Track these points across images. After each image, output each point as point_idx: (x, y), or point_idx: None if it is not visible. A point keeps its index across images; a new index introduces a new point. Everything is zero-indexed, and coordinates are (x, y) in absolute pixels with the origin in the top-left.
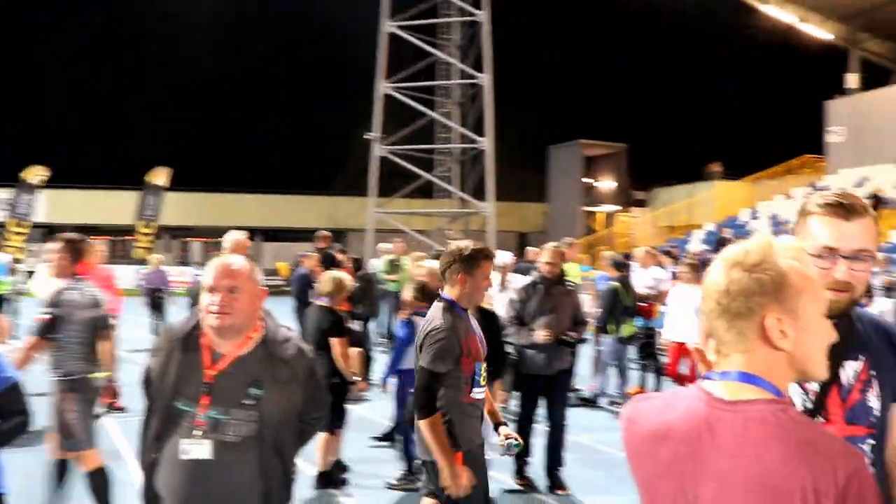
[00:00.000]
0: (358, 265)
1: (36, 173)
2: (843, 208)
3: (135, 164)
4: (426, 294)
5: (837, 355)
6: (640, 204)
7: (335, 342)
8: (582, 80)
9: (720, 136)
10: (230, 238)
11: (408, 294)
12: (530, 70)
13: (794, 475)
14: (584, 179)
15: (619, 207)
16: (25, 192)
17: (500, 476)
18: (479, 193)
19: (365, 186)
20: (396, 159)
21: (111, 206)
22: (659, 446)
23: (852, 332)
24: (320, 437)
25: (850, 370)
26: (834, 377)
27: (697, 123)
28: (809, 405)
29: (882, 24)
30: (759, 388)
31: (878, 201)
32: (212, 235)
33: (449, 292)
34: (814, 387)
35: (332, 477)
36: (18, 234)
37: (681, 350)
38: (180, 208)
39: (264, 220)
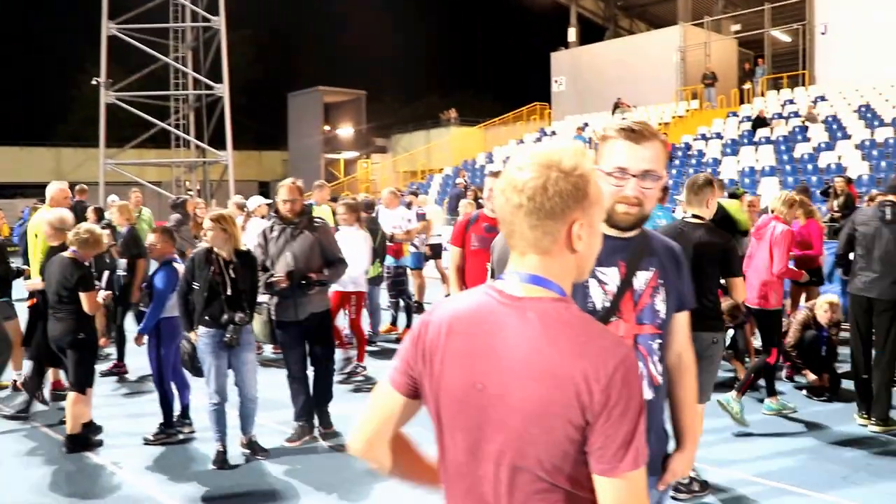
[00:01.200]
0: (100, 215)
1: None
2: (636, 133)
3: None
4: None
5: (633, 265)
6: (381, 150)
7: (85, 296)
8: (319, 27)
9: (455, 83)
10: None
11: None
12: (267, 16)
13: (572, 364)
14: (325, 127)
15: (359, 154)
16: None
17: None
18: (216, 142)
19: (94, 136)
20: (127, 107)
21: None
22: (450, 340)
23: (646, 246)
24: (70, 398)
25: (643, 278)
26: (628, 283)
27: (433, 72)
28: (608, 304)
29: None
30: (548, 289)
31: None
32: None
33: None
34: (612, 289)
35: (85, 439)
36: None
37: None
38: None
39: None
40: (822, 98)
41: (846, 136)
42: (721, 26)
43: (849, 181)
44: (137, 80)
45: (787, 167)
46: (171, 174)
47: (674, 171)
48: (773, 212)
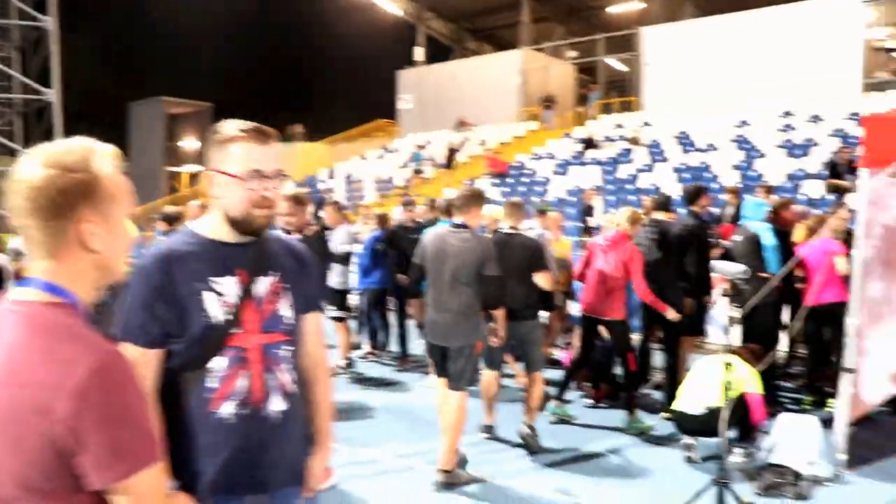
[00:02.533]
0: None
1: None
2: (263, 134)
3: None
4: None
5: (253, 271)
6: None
7: None
8: (165, 36)
9: (302, 98)
10: None
11: None
12: (108, 20)
13: (39, 371)
14: (168, 138)
15: (203, 167)
16: None
17: None
18: None
19: None
20: None
21: None
22: None
23: (266, 251)
24: None
25: (264, 284)
26: (249, 291)
27: (282, 86)
28: (229, 317)
29: (444, 6)
30: (54, 294)
31: (452, 152)
32: None
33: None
34: (232, 300)
35: None
36: None
37: None
38: None
39: None
40: (648, 123)
41: (664, 160)
42: (560, 52)
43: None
44: None
45: (611, 187)
46: None
47: (507, 189)
48: (618, 226)
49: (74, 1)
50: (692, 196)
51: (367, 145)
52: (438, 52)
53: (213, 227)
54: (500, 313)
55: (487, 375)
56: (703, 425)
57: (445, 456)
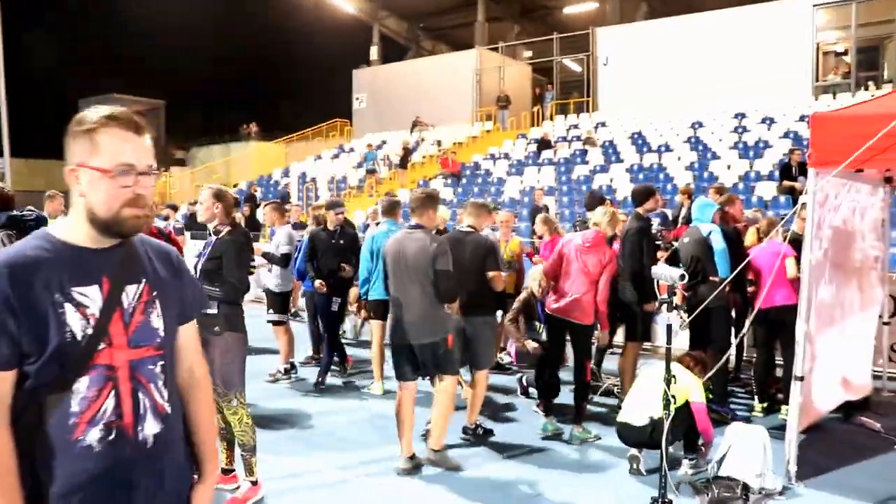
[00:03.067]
0: None
1: None
2: (134, 123)
3: None
4: None
5: (119, 279)
6: (180, 163)
7: None
8: (118, 31)
9: (259, 96)
10: None
11: None
12: (60, 14)
13: None
14: None
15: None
16: None
17: None
18: None
19: None
20: None
21: None
22: None
23: (133, 256)
24: None
25: (132, 293)
26: (115, 301)
27: (236, 84)
28: (90, 331)
29: (399, 5)
30: None
31: (406, 152)
32: None
33: None
34: (94, 311)
35: None
36: None
37: None
38: None
39: None
40: (603, 124)
41: (619, 160)
42: (515, 52)
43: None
44: None
45: (565, 187)
46: None
47: (460, 190)
48: (596, 225)
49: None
50: (640, 197)
51: (324, 145)
52: (394, 52)
53: (73, 229)
54: (455, 307)
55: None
56: (646, 437)
57: (436, 437)
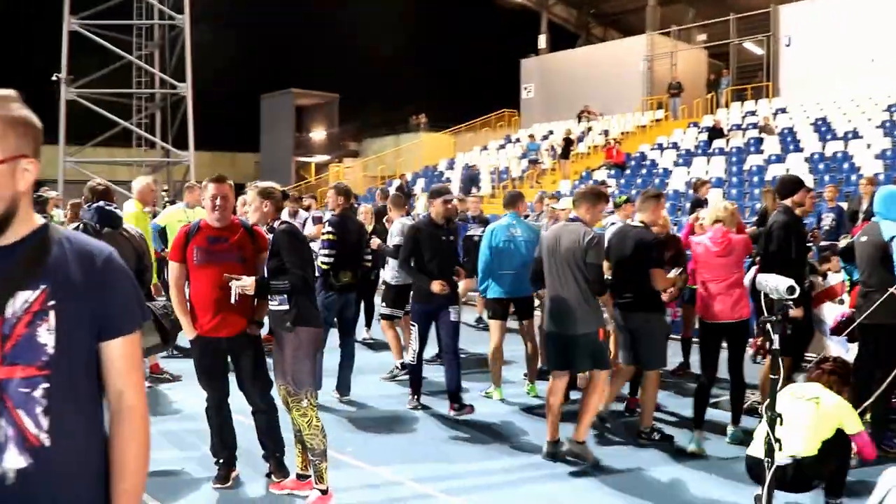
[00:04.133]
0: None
1: None
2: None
3: None
4: None
5: (8, 283)
6: (353, 154)
7: None
8: (294, 28)
9: (429, 88)
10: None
11: None
12: (243, 15)
13: None
14: (297, 129)
15: (329, 157)
16: None
17: None
18: (183, 142)
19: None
20: (89, 104)
21: None
22: None
23: (37, 258)
24: None
25: (20, 300)
26: None
27: (407, 76)
28: None
29: None
30: None
31: (569, 143)
32: None
33: None
34: None
35: None
36: None
37: None
38: None
39: None
40: (783, 110)
41: (798, 149)
42: (689, 36)
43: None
44: (101, 77)
45: (734, 179)
46: (136, 174)
47: (622, 181)
48: (719, 222)
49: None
50: (788, 188)
51: (492, 136)
52: (564, 40)
53: None
54: (604, 299)
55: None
56: (787, 478)
57: (581, 429)
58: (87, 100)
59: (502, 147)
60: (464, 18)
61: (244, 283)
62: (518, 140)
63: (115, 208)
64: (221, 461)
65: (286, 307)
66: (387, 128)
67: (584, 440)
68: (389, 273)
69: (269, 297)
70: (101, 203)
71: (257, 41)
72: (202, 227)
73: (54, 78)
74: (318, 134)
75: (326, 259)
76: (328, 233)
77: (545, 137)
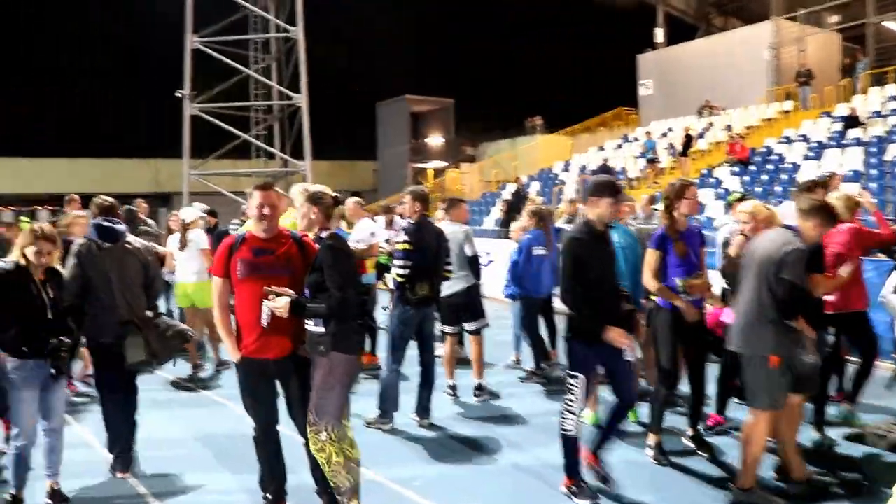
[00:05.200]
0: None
1: None
2: None
3: None
4: None
5: None
6: (470, 159)
7: None
8: (407, 35)
9: (543, 89)
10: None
11: None
12: (355, 25)
13: None
14: (413, 136)
15: (446, 163)
16: None
17: None
18: (301, 152)
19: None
20: (210, 118)
21: None
22: None
23: None
24: None
25: None
26: None
27: (520, 77)
28: None
29: None
30: None
31: (689, 139)
32: (24, 203)
33: None
34: None
35: None
36: None
37: None
38: None
39: (80, 187)
40: None
41: None
42: (819, 19)
43: None
44: (221, 92)
45: (873, 171)
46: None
47: (747, 178)
48: None
49: (318, 11)
50: None
51: (608, 135)
52: (681, 32)
53: None
54: (799, 324)
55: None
56: None
57: (743, 476)
58: (209, 114)
59: (619, 147)
60: (578, 16)
61: (277, 305)
62: (636, 139)
63: (117, 223)
64: (270, 496)
65: (321, 329)
66: (502, 131)
67: (751, 486)
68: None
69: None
70: (100, 219)
71: (371, 49)
72: (247, 238)
73: (178, 94)
74: (435, 140)
75: (402, 271)
76: (404, 242)
77: (664, 135)
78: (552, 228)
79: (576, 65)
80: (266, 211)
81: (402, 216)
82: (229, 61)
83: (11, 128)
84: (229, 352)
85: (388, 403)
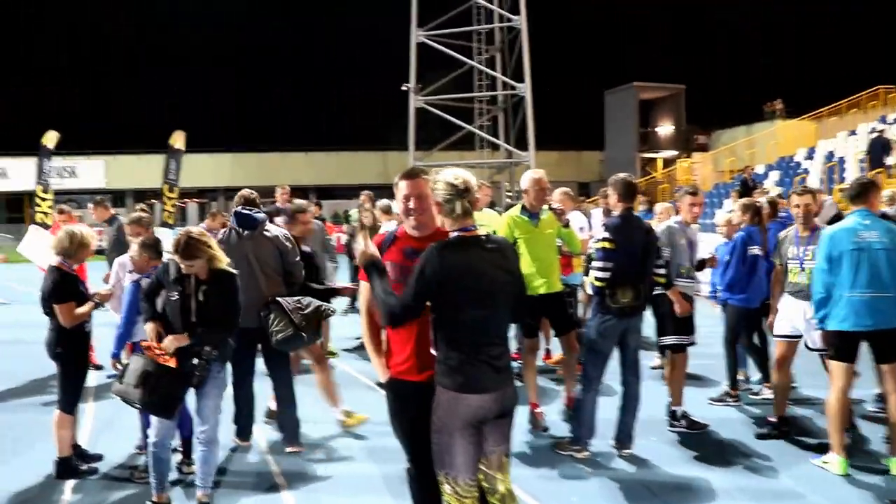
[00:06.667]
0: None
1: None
2: None
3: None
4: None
5: None
6: (703, 148)
7: (57, 309)
8: (633, 20)
9: (783, 71)
10: None
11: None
12: (581, 12)
13: None
14: (641, 124)
15: (677, 153)
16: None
17: None
18: (525, 143)
19: (423, 139)
20: (435, 110)
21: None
22: None
23: None
24: (54, 417)
25: None
26: None
27: (758, 59)
28: None
29: None
30: None
31: None
32: (266, 195)
33: None
34: None
35: (71, 464)
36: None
37: None
38: (228, 169)
39: (316, 178)
40: None
41: None
42: None
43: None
44: (444, 84)
45: None
46: (480, 175)
47: None
48: None
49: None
50: None
51: (861, 118)
52: None
53: None
54: None
55: None
56: None
57: None
58: (434, 106)
59: (873, 132)
60: None
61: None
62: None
63: (257, 212)
64: None
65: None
66: (738, 118)
67: None
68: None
69: None
70: (239, 208)
71: (597, 36)
72: (398, 236)
73: (404, 88)
74: (664, 128)
75: (601, 274)
76: (604, 240)
77: None
78: (774, 224)
79: (823, 43)
80: (412, 204)
81: (607, 211)
82: (453, 53)
83: (257, 122)
84: (377, 371)
85: (582, 428)
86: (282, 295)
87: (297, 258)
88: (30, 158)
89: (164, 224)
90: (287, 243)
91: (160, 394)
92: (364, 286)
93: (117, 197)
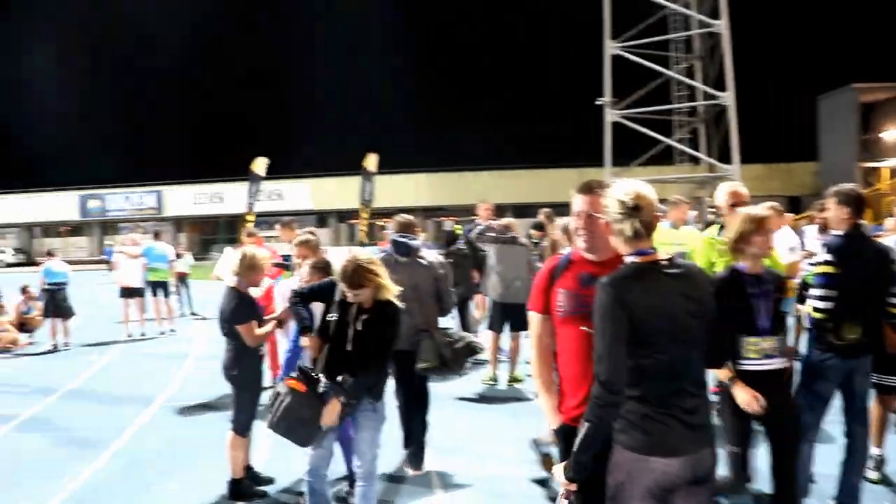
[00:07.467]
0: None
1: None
2: None
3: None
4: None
5: None
6: None
7: (240, 329)
8: (849, 13)
9: None
10: None
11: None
12: (788, 10)
13: None
14: (863, 130)
15: None
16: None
17: None
18: (728, 155)
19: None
20: (631, 124)
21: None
22: None
23: None
24: (228, 438)
25: None
26: None
27: None
28: None
29: None
30: None
31: None
32: (460, 214)
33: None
34: None
35: (241, 487)
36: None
37: None
38: (425, 188)
39: (510, 196)
40: None
41: None
42: None
43: None
44: (640, 96)
45: None
46: (679, 191)
47: None
48: None
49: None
50: None
51: None
52: None
53: None
54: None
55: None
56: None
57: None
58: (630, 120)
59: None
60: None
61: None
62: None
63: (412, 240)
64: None
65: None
66: None
67: None
68: None
69: None
70: (396, 235)
71: (808, 36)
72: (574, 259)
73: (598, 102)
74: (890, 133)
75: (821, 304)
76: (825, 263)
77: None
78: None
79: None
80: (580, 223)
81: (823, 227)
82: (650, 64)
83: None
84: (546, 415)
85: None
86: (435, 321)
87: (451, 286)
88: (242, 183)
89: (361, 243)
90: (441, 270)
91: (287, 418)
92: (533, 319)
93: (322, 217)
